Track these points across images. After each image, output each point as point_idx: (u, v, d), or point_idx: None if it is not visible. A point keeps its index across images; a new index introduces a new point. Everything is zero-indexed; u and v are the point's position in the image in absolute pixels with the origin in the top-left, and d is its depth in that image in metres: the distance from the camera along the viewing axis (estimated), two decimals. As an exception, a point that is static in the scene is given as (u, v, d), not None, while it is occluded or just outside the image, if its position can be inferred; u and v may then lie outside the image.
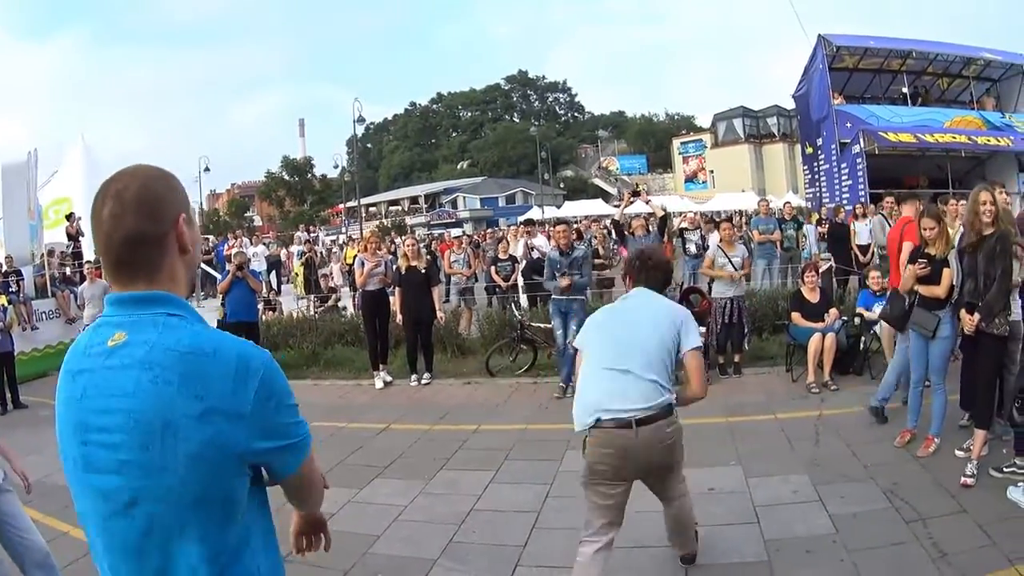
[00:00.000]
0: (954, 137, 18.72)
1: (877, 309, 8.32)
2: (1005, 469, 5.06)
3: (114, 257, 1.53)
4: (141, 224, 1.51)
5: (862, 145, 18.11)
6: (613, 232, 13.44)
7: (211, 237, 30.89)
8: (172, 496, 1.44)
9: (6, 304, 11.32)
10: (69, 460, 1.54)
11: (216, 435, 1.44)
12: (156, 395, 1.43)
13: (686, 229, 14.38)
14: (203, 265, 20.48)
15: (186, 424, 1.42)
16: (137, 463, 1.44)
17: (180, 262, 1.60)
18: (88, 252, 17.67)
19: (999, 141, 18.71)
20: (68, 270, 16.33)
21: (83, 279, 13.13)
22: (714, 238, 11.63)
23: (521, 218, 28.93)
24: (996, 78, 21.10)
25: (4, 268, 14.11)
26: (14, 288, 13.26)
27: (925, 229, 5.93)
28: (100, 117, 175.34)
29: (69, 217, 19.31)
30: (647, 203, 10.55)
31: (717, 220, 14.71)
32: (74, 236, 18.74)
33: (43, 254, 15.16)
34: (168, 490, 1.44)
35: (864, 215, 13.31)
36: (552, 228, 10.09)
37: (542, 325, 9.87)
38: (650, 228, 9.79)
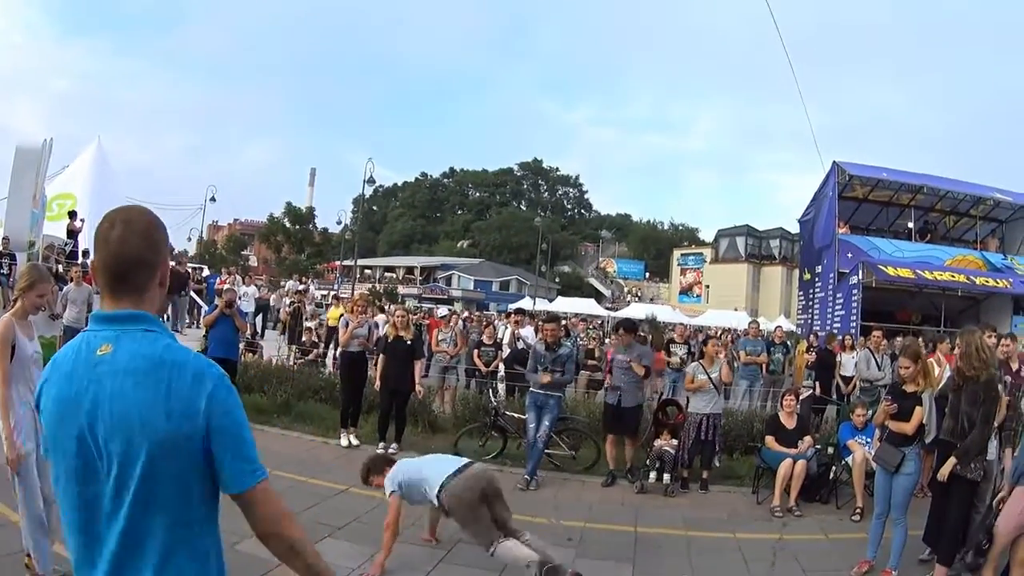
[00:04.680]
0: (953, 276, 18.71)
1: (855, 443, 8.35)
2: None
3: (113, 274, 1.83)
4: (144, 252, 1.84)
5: (860, 277, 18.10)
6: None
7: (205, 267, 30.85)
8: (142, 474, 1.71)
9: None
10: (60, 442, 1.79)
11: (177, 429, 1.74)
12: (134, 396, 1.73)
13: (673, 341, 14.34)
14: (192, 294, 20.35)
15: (156, 419, 1.72)
16: (120, 450, 1.72)
17: (158, 292, 1.93)
18: (82, 255, 17.62)
19: (997, 283, 18.72)
20: (61, 267, 16.24)
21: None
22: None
23: (512, 306, 28.94)
24: (1003, 219, 21.19)
25: None
26: (5, 271, 13.12)
27: (902, 368, 6.02)
28: (115, 126, 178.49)
29: (72, 215, 19.31)
30: None
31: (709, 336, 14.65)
32: (75, 234, 18.73)
33: (42, 248, 15.07)
34: (142, 467, 1.71)
35: (852, 347, 13.38)
36: (542, 323, 10.02)
37: (516, 415, 9.87)
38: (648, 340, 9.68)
